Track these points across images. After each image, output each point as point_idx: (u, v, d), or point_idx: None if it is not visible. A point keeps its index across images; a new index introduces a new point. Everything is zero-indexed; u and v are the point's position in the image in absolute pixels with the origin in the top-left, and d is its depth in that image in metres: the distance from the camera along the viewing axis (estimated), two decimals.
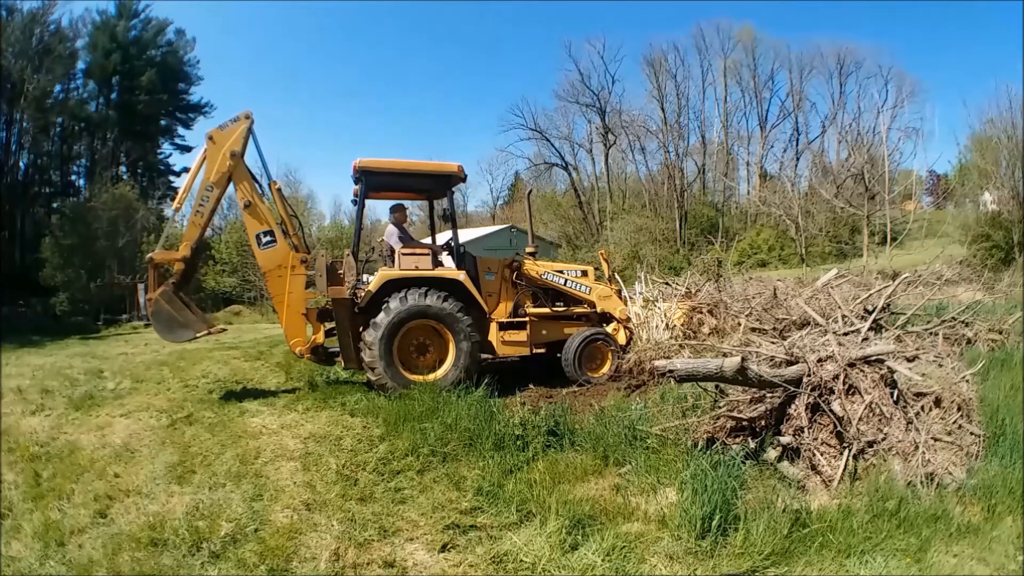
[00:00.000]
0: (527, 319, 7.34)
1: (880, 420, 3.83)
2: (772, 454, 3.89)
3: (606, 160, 45.36)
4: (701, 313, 7.48)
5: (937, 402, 4.02)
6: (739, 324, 6.70)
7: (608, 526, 3.21)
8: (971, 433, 3.86)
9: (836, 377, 3.99)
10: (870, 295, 6.04)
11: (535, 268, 7.52)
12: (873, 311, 5.48)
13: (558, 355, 7.34)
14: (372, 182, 6.86)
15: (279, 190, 6.93)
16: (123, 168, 33.47)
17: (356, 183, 6.98)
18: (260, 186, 6.81)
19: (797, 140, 43.60)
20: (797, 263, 28.37)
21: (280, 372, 8.33)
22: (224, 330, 8.44)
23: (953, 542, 2.98)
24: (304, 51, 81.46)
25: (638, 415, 4.71)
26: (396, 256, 6.78)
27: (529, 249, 7.77)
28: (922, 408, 3.95)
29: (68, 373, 8.43)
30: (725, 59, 44.05)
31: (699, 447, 3.90)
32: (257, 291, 24.31)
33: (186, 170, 8.17)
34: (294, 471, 4.23)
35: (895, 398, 3.98)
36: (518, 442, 4.42)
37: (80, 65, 30.76)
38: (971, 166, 27.59)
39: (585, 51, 49.77)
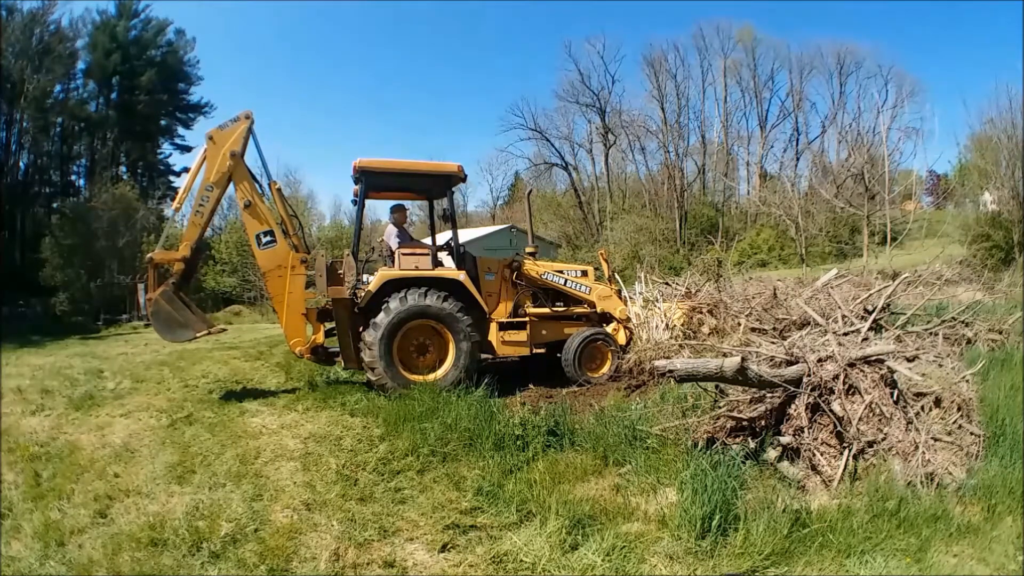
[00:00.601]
0: (527, 319, 7.34)
1: (880, 420, 3.83)
2: (772, 454, 3.89)
3: (606, 160, 45.39)
4: (701, 313, 7.47)
5: (937, 402, 4.02)
6: (739, 324, 6.70)
7: (608, 526, 3.21)
8: (971, 433, 3.86)
9: (836, 377, 3.99)
10: (870, 295, 6.04)
11: (535, 268, 7.52)
12: (873, 311, 5.48)
13: (558, 355, 7.34)
14: (372, 182, 6.86)
15: (279, 190, 6.93)
16: (123, 168, 33.50)
17: (356, 183, 6.99)
18: (260, 186, 6.81)
19: (797, 140, 43.65)
20: (797, 263, 28.35)
21: (280, 372, 8.33)
22: (224, 330, 8.45)
23: (953, 542, 2.98)
24: (304, 51, 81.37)
25: (638, 415, 4.71)
26: (396, 256, 6.78)
27: (529, 249, 7.77)
28: (922, 408, 3.95)
29: (68, 373, 8.42)
30: (725, 59, 44.11)
31: (699, 447, 3.90)
32: (257, 291, 24.29)
33: (186, 170, 8.17)
34: (294, 471, 4.23)
35: (895, 398, 3.98)
36: (518, 442, 4.42)
37: (80, 65, 30.87)
38: (971, 166, 27.56)
39: (585, 51, 49.64)
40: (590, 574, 2.81)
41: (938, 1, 58.49)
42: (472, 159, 62.81)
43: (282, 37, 77.62)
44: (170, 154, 36.08)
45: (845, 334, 4.89)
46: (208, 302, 24.43)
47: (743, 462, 3.67)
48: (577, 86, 45.10)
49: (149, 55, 32.93)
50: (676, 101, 43.99)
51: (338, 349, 6.80)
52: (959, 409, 3.98)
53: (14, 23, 26.35)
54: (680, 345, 6.46)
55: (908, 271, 7.94)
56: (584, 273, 7.88)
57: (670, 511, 3.30)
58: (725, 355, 4.26)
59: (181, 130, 36.37)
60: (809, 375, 4.01)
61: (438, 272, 6.75)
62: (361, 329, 6.50)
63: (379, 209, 49.50)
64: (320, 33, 79.00)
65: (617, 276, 8.59)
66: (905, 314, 6.03)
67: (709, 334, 7.07)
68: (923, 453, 3.59)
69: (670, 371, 3.76)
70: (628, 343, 7.52)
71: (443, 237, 7.81)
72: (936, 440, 3.74)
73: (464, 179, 7.26)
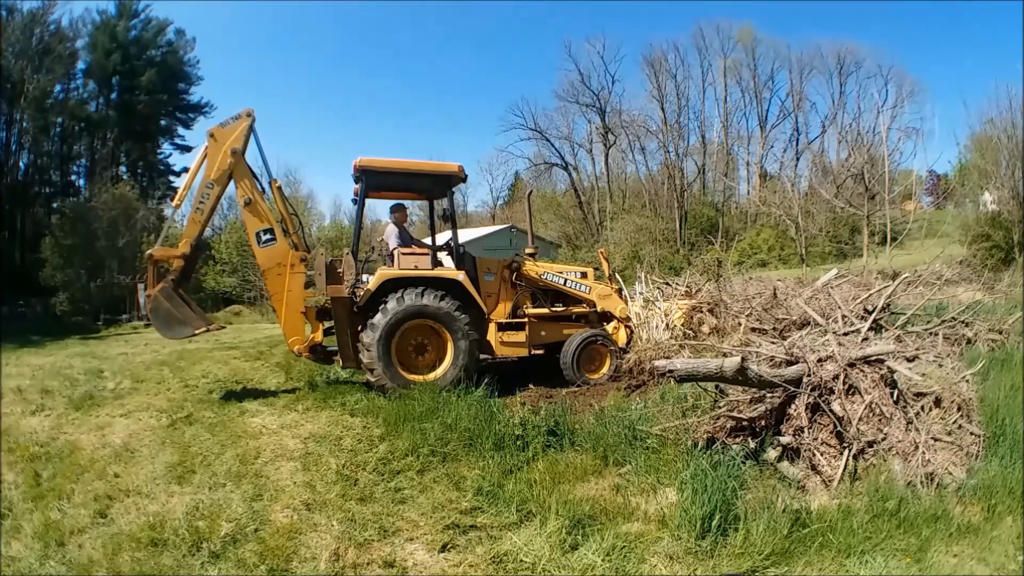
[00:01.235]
0: (526, 320, 7.33)
1: (880, 420, 3.83)
2: (772, 454, 3.89)
3: (606, 160, 45.38)
4: (701, 313, 7.47)
5: (937, 402, 4.01)
6: (739, 324, 6.70)
7: (608, 526, 3.21)
8: (971, 433, 3.86)
9: (836, 377, 3.99)
10: (870, 295, 6.03)
11: (535, 269, 7.51)
12: (873, 311, 5.48)
13: (557, 356, 7.34)
14: (372, 181, 6.85)
15: (279, 188, 6.94)
16: (123, 168, 33.48)
17: (356, 182, 6.98)
18: (260, 184, 6.81)
19: (797, 140, 43.64)
20: (797, 263, 28.36)
21: (280, 372, 8.33)
22: (223, 328, 8.45)
23: (953, 542, 2.98)
24: (304, 51, 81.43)
25: (638, 415, 4.71)
26: (395, 256, 6.78)
27: (529, 250, 7.76)
28: (922, 408, 3.94)
29: (68, 373, 8.43)
30: (725, 59, 44.09)
31: (699, 447, 3.89)
32: (257, 291, 24.28)
33: (186, 170, 8.16)
34: (294, 471, 4.23)
35: (895, 398, 3.98)
36: (518, 442, 4.42)
37: (80, 65, 30.83)
38: (971, 166, 27.57)
39: (585, 51, 49.74)
40: (590, 574, 2.81)
41: (938, 1, 58.58)
42: (472, 159, 63.04)
43: (282, 37, 77.76)
44: (170, 154, 36.16)
45: (845, 334, 4.89)
46: (208, 302, 24.42)
47: (743, 462, 3.67)
48: (577, 86, 45.17)
49: (149, 55, 32.90)
50: (676, 101, 44.07)
51: (337, 348, 6.80)
52: (959, 409, 3.98)
53: (14, 23, 26.33)
54: (680, 345, 6.46)
55: (908, 271, 7.93)
56: (584, 275, 7.88)
57: (670, 511, 3.29)
58: (725, 355, 4.26)
59: (181, 130, 36.44)
60: (809, 375, 4.01)
61: (437, 272, 6.74)
62: (360, 328, 6.51)
63: (379, 209, 49.65)
64: (320, 33, 79.18)
65: (617, 275, 8.59)
66: (905, 314, 6.03)
67: (709, 334, 7.07)
68: (923, 453, 3.59)
69: (670, 371, 3.76)
70: (628, 342, 7.52)
71: (443, 237, 7.81)
72: (936, 440, 3.74)
73: (464, 179, 7.26)
